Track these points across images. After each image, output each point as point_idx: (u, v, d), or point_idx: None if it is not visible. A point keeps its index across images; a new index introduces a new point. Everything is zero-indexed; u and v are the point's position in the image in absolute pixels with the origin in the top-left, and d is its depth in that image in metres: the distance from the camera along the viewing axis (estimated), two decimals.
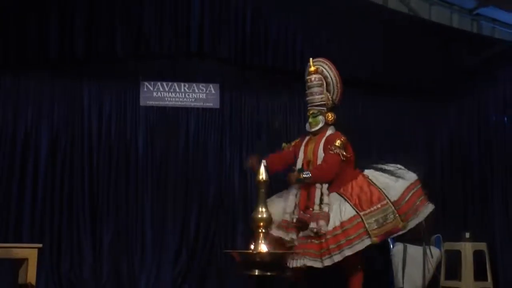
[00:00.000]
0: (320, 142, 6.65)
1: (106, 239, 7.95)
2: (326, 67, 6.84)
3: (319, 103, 6.75)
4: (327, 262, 6.20)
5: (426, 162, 9.03)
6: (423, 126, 9.24)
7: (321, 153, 6.59)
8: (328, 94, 6.77)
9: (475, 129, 8.72)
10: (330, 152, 6.51)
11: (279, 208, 6.59)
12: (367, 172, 6.81)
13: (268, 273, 5.09)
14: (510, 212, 7.98)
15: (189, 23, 7.95)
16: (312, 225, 6.22)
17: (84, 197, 7.97)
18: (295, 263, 6.27)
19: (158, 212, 8.17)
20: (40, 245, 6.01)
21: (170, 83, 8.44)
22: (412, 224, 6.65)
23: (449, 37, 9.11)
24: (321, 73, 6.77)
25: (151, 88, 8.38)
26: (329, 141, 6.59)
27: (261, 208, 5.12)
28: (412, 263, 7.93)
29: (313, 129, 6.74)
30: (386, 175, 6.79)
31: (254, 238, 5.29)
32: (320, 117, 6.73)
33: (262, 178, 5.28)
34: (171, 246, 8.12)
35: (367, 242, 6.34)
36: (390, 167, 6.92)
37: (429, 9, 9.65)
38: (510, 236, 7.94)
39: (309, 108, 6.80)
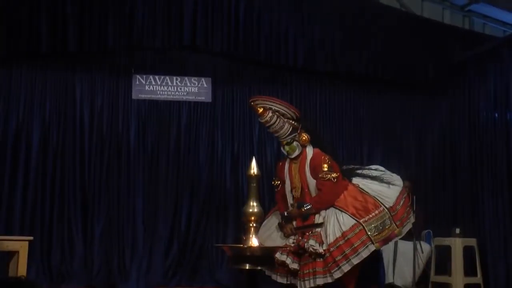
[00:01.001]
0: (305, 166, 6.65)
1: (97, 232, 7.97)
2: (269, 102, 6.70)
3: (288, 133, 6.66)
4: (337, 275, 6.22)
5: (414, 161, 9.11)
6: (414, 121, 9.27)
7: (309, 179, 6.61)
8: (290, 121, 6.71)
9: (466, 124, 8.74)
10: (322, 180, 6.52)
11: (277, 235, 6.64)
12: (355, 181, 6.83)
13: (259, 267, 5.10)
14: (499, 208, 8.00)
15: (181, 16, 7.93)
16: (307, 246, 6.27)
17: (75, 190, 7.97)
18: (307, 284, 6.30)
19: (150, 204, 8.19)
20: (31, 238, 6.04)
21: (162, 77, 8.44)
22: (406, 229, 6.72)
23: (440, 33, 9.13)
24: (269, 109, 6.64)
25: (143, 82, 8.37)
26: (316, 167, 6.58)
27: (252, 202, 5.12)
28: (403, 259, 7.97)
29: (292, 156, 6.71)
30: (376, 182, 6.81)
31: (245, 232, 5.30)
32: (295, 143, 6.68)
33: (254, 173, 5.29)
34: (162, 239, 8.14)
35: (371, 248, 6.36)
36: (374, 172, 6.94)
37: (421, 5, 9.67)
38: (500, 232, 7.96)
39: (281, 140, 6.72)
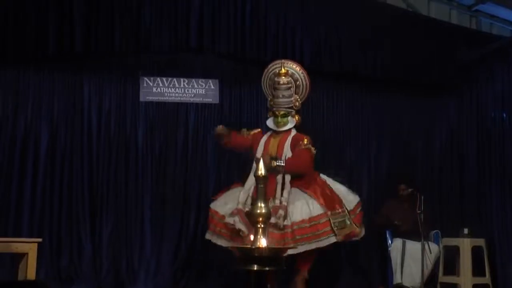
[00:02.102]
0: (286, 141, 6.96)
1: (105, 234, 7.98)
2: (298, 69, 7.07)
3: (286, 106, 7.02)
4: (291, 252, 6.33)
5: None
6: (422, 122, 9.24)
7: (286, 150, 6.88)
8: (297, 97, 6.92)
9: (474, 124, 8.73)
10: (301, 149, 6.80)
11: (232, 204, 6.86)
12: (322, 176, 7.15)
13: (267, 268, 5.10)
14: (508, 208, 7.99)
15: (188, 18, 7.94)
16: (272, 219, 6.33)
17: (83, 192, 8.00)
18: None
19: (158, 206, 8.19)
20: (40, 240, 6.05)
21: (169, 79, 8.45)
22: (362, 233, 7.12)
23: (448, 33, 9.12)
24: (291, 75, 6.95)
25: (151, 84, 8.39)
26: (297, 140, 6.89)
27: (260, 203, 5.11)
28: (411, 259, 7.96)
29: (280, 128, 7.02)
30: (339, 183, 7.20)
31: (253, 233, 5.30)
32: (290, 118, 7.04)
33: (261, 174, 5.28)
34: (170, 241, 8.14)
35: (332, 240, 6.71)
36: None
37: (428, 5, 9.64)
38: (508, 232, 7.95)
39: (277, 108, 7.06)
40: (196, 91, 8.51)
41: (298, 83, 7.08)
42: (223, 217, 6.88)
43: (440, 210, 8.91)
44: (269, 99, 7.41)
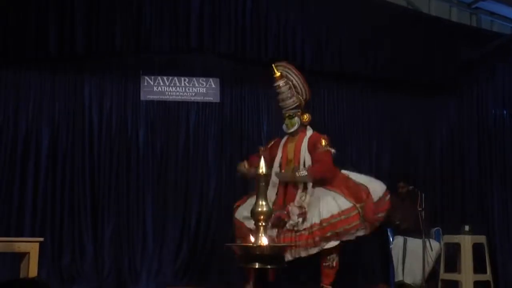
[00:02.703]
0: (302, 142, 6.98)
1: (107, 233, 8.00)
2: (289, 70, 7.11)
3: (293, 106, 7.04)
4: (323, 246, 6.55)
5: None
6: (423, 120, 9.26)
7: (304, 153, 6.90)
8: (299, 96, 6.95)
9: (475, 122, 8.74)
10: (320, 150, 6.80)
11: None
12: (344, 171, 7.11)
13: (268, 266, 5.12)
14: (509, 205, 8.00)
15: (189, 17, 7.96)
16: (293, 219, 6.47)
17: (85, 191, 8.02)
18: (289, 256, 6.51)
19: (159, 205, 8.21)
20: (42, 239, 6.05)
21: (170, 78, 8.47)
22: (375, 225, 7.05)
23: (448, 31, 9.12)
24: (285, 77, 6.99)
25: (152, 83, 8.41)
26: (314, 142, 6.89)
27: (261, 201, 5.13)
28: (412, 256, 7.97)
29: (290, 130, 7.05)
30: (363, 175, 7.15)
31: (255, 231, 5.31)
32: (296, 119, 7.06)
33: (262, 172, 5.30)
34: (172, 240, 8.16)
35: (361, 232, 6.75)
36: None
37: (428, 3, 9.65)
38: (509, 229, 7.96)
39: (285, 111, 7.08)
40: (197, 90, 8.53)
41: (294, 83, 7.10)
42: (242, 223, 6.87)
43: (441, 207, 8.93)
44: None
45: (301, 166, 6.86)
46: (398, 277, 8.03)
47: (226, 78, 8.62)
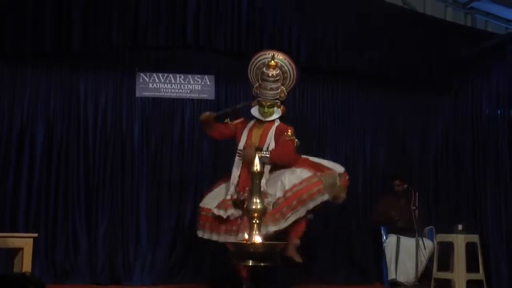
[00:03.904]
0: (269, 131, 7.06)
1: (101, 229, 8.00)
2: (287, 61, 7.16)
3: (273, 98, 7.10)
4: (292, 218, 6.62)
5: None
6: (418, 118, 9.28)
7: (270, 140, 6.98)
8: (283, 88, 7.05)
9: (469, 121, 8.74)
10: (286, 140, 6.92)
11: (217, 197, 7.02)
12: (304, 156, 7.20)
13: (262, 264, 5.13)
14: (502, 204, 8.00)
15: (185, 14, 7.96)
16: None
17: (79, 187, 8.02)
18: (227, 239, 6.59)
19: (153, 202, 8.22)
20: (36, 235, 6.07)
21: (166, 75, 8.47)
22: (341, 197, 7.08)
23: (443, 30, 9.14)
24: (280, 68, 7.06)
25: (147, 80, 8.41)
26: (281, 131, 6.99)
27: (255, 199, 5.14)
28: (405, 255, 8.01)
29: (266, 118, 7.12)
30: (321, 158, 7.33)
31: (249, 228, 5.32)
32: (276, 108, 7.13)
33: (257, 170, 5.31)
34: (166, 235, 8.17)
35: (325, 197, 6.77)
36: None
37: (424, 3, 9.68)
38: (502, 228, 7.96)
39: (263, 99, 7.12)
40: (192, 87, 8.53)
41: (286, 74, 7.15)
42: (209, 210, 6.93)
43: (435, 206, 8.96)
44: (255, 86, 7.34)
45: (264, 149, 6.93)
46: (391, 275, 8.06)
47: (221, 76, 8.62)
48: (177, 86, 8.49)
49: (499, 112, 8.33)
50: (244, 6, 8.20)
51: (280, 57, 7.19)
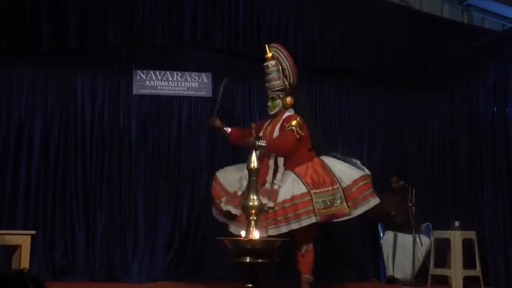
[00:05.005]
0: (278, 123, 6.94)
1: (99, 227, 8.01)
2: (280, 53, 7.08)
3: (278, 88, 7.00)
4: (272, 232, 6.37)
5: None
6: (414, 116, 9.30)
7: (276, 132, 6.90)
8: (285, 79, 6.99)
9: (466, 118, 8.77)
10: (285, 129, 6.79)
11: (234, 177, 6.92)
12: (323, 157, 6.99)
13: (259, 260, 5.14)
14: (499, 201, 8.03)
15: (182, 12, 7.97)
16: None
17: (77, 184, 8.03)
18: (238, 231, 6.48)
19: (151, 200, 8.22)
20: (34, 232, 6.07)
21: (163, 72, 8.48)
22: (358, 211, 6.76)
23: (440, 27, 9.16)
24: (276, 58, 7.02)
25: (144, 77, 8.42)
26: (286, 121, 6.86)
27: (253, 195, 5.16)
28: (402, 252, 8.04)
29: (271, 112, 7.05)
30: (343, 163, 6.98)
31: (246, 225, 5.34)
32: (278, 101, 7.02)
33: (254, 166, 5.32)
34: (164, 234, 8.18)
35: (313, 219, 6.50)
36: (348, 159, 7.10)
37: (420, 0, 9.68)
38: (499, 225, 7.99)
39: (270, 92, 7.06)
40: (189, 85, 8.54)
41: (283, 65, 7.11)
42: (225, 190, 6.91)
43: (431, 203, 8.97)
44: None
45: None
46: (388, 272, 8.10)
47: (218, 73, 8.61)
48: (174, 84, 8.50)
49: (495, 109, 8.35)
50: (241, 4, 8.21)
51: (274, 48, 7.13)
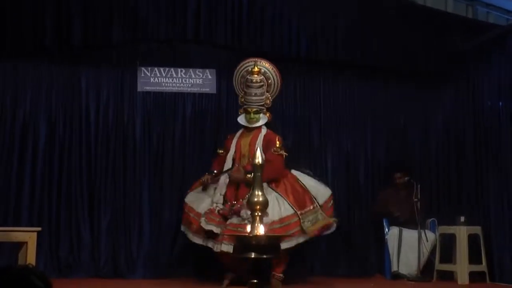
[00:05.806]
0: (257, 139, 7.12)
1: (104, 223, 8.04)
2: (270, 68, 7.29)
3: (258, 104, 7.23)
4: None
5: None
6: (418, 111, 9.26)
7: (257, 147, 6.87)
8: (268, 95, 7.22)
9: (470, 113, 8.74)
10: (275, 153, 6.98)
11: (207, 202, 7.09)
12: (294, 172, 7.26)
13: (264, 256, 5.14)
14: (504, 196, 8.01)
15: (185, 9, 7.97)
16: (243, 213, 6.58)
17: (82, 181, 8.05)
18: (226, 247, 6.62)
19: (156, 195, 8.24)
20: (39, 229, 6.08)
21: (167, 69, 8.48)
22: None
23: (444, 22, 9.12)
24: (264, 74, 7.14)
25: (148, 74, 8.42)
26: (269, 142, 7.05)
27: (257, 191, 5.16)
28: (407, 247, 8.03)
29: (252, 125, 7.22)
30: (311, 178, 7.32)
31: (251, 221, 5.34)
32: (261, 115, 7.25)
33: (258, 162, 5.32)
34: (168, 230, 8.18)
35: (301, 239, 6.83)
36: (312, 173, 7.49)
37: None
38: (504, 220, 7.97)
39: (249, 105, 7.26)
40: (193, 81, 8.54)
41: (270, 81, 7.27)
42: (199, 215, 7.01)
43: (436, 198, 8.96)
44: (240, 95, 7.55)
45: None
46: (394, 267, 8.09)
47: (222, 70, 8.61)
48: (179, 80, 8.50)
49: (500, 103, 8.33)
50: (245, 0, 8.19)
51: (263, 63, 7.28)
